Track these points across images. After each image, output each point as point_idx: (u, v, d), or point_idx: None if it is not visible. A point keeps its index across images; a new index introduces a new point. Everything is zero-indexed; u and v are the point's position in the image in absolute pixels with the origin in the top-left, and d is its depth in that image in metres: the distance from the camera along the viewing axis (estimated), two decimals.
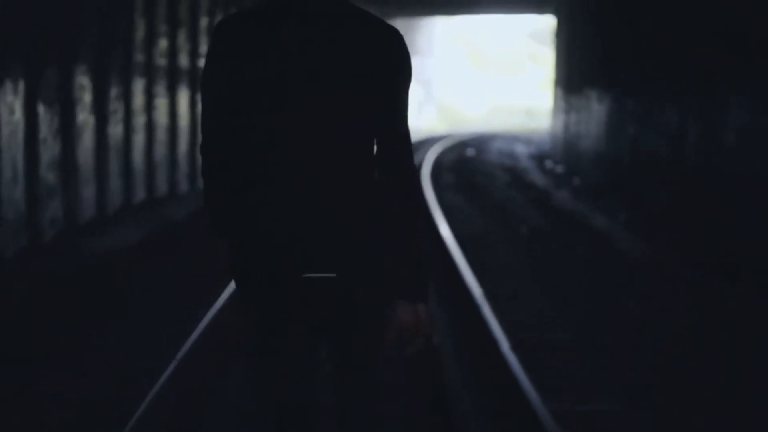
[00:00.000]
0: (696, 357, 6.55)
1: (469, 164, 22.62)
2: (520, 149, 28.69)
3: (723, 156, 10.03)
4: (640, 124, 13.53)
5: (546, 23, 66.13)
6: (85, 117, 11.56)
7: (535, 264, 9.60)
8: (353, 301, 2.98)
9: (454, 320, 7.31)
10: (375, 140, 3.01)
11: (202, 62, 16.53)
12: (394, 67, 2.97)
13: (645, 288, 8.64)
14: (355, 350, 3.05)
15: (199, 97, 16.56)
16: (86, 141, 11.64)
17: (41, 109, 10.30)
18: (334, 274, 2.94)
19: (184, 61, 15.65)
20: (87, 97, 11.60)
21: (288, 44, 2.90)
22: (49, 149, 10.58)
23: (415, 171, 3.08)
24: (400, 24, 40.04)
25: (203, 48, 16.61)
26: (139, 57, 13.57)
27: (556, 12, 27.44)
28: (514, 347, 6.00)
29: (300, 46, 2.91)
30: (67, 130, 11.07)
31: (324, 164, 2.92)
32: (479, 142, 31.70)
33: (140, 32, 13.62)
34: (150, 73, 14.06)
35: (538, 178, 19.43)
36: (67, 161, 11.06)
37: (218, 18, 17.37)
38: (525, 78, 67.15)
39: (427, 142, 30.22)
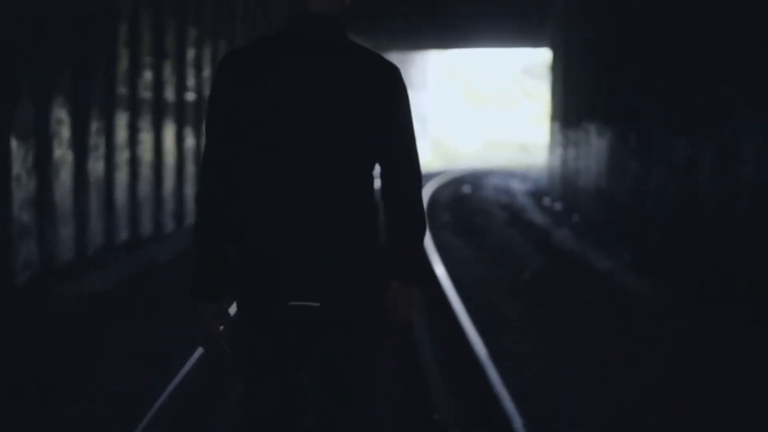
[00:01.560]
0: None
1: (466, 202, 22.07)
2: (517, 185, 28.21)
3: (738, 191, 9.46)
4: (643, 158, 12.98)
5: (540, 58, 66.14)
6: (62, 152, 10.98)
7: (542, 316, 8.87)
8: (338, 331, 3.05)
9: (458, 386, 6.56)
10: (382, 175, 3.13)
11: (189, 96, 15.99)
12: (394, 100, 3.05)
13: (664, 346, 7.99)
14: (337, 382, 3.09)
15: (186, 131, 16.10)
16: (64, 178, 11.05)
17: (14, 143, 9.73)
18: (318, 304, 3.00)
19: (170, 94, 15.09)
20: (65, 132, 11.02)
21: (287, 76, 3.00)
22: (23, 187, 9.99)
23: (422, 205, 3.19)
24: (393, 58, 39.66)
25: (191, 81, 16.07)
26: (122, 90, 13.01)
27: (552, 45, 27.03)
28: (528, 423, 5.32)
29: (299, 79, 3.00)
30: (43, 167, 10.49)
31: (319, 195, 3.02)
32: (475, 179, 31.25)
33: (123, 63, 13.06)
34: (134, 107, 13.49)
35: (536, 216, 18.87)
36: (42, 199, 10.47)
37: (207, 50, 16.86)
38: (519, 113, 67.07)
39: (423, 179, 29.65)
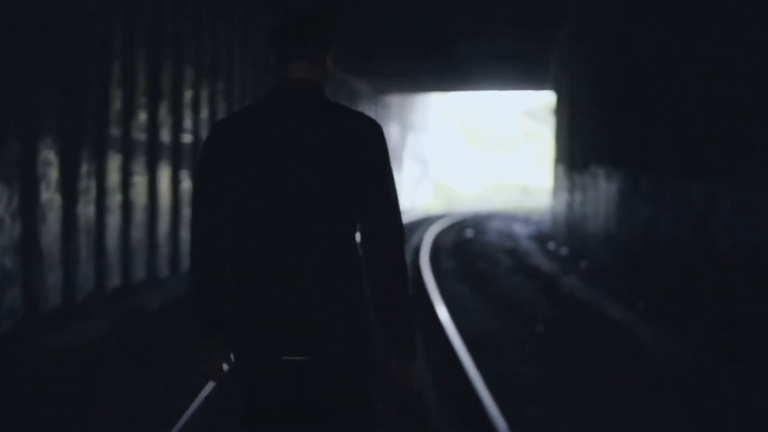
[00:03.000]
0: None
1: (469, 247, 21.56)
2: (519, 229, 27.76)
3: (761, 239, 8.95)
4: (656, 203, 12.48)
5: (541, 101, 65.96)
6: (50, 195, 10.49)
7: (562, 378, 8.13)
8: (327, 384, 3.12)
9: None
10: (363, 232, 3.19)
11: (185, 138, 15.54)
12: (371, 158, 3.14)
13: (694, 407, 7.44)
14: None
15: (182, 174, 15.63)
16: (52, 222, 10.56)
17: None
18: (306, 357, 3.09)
19: (165, 136, 14.63)
20: (53, 174, 10.55)
21: (270, 142, 3.11)
22: (7, 231, 9.50)
23: (405, 264, 3.21)
24: (394, 100, 39.33)
25: (187, 123, 15.63)
26: (115, 131, 12.54)
27: (555, 87, 26.66)
28: None
29: (281, 144, 3.11)
30: (29, 210, 10.00)
31: (306, 254, 3.11)
32: (477, 222, 30.82)
33: (117, 104, 12.61)
34: (127, 149, 13.03)
35: (541, 261, 18.35)
36: (28, 244, 9.97)
37: (204, 91, 16.43)
38: (520, 156, 66.82)
39: (424, 223, 29.24)
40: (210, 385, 7.00)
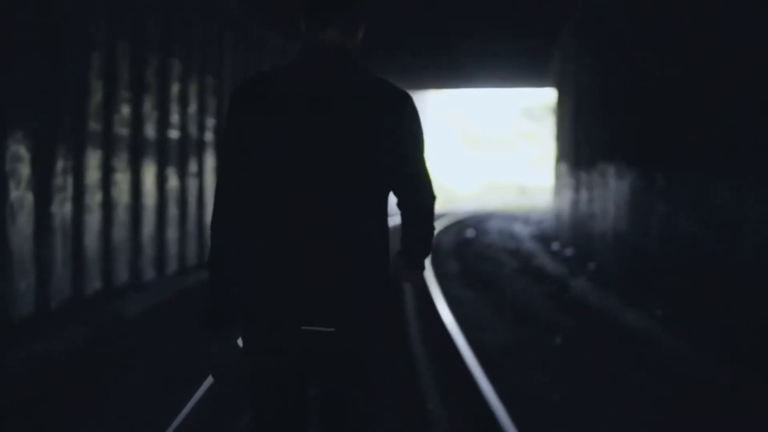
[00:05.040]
0: None
1: (471, 247, 20.75)
2: (520, 229, 27.06)
3: None
4: (674, 203, 11.66)
5: (538, 100, 65.31)
6: (20, 194, 9.65)
7: (590, 400, 7.17)
8: (351, 356, 3.08)
9: None
10: (399, 199, 3.27)
11: (172, 133, 14.72)
12: (405, 128, 3.12)
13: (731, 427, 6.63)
14: (347, 408, 3.10)
15: (168, 171, 14.80)
16: (23, 222, 9.72)
17: None
18: (333, 329, 3.05)
19: (150, 131, 13.80)
20: (24, 170, 9.71)
21: (298, 107, 3.05)
22: None
23: (433, 224, 3.38)
24: None
25: (174, 117, 14.80)
26: (95, 125, 11.71)
27: (558, 84, 25.91)
28: None
29: (310, 110, 3.05)
30: None
31: (332, 221, 3.06)
32: (476, 222, 30.12)
33: (97, 97, 11.77)
34: (108, 144, 12.19)
35: (547, 263, 17.54)
36: None
37: (193, 85, 15.61)
38: (517, 155, 66.30)
39: None
40: (201, 394, 6.22)
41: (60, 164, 10.65)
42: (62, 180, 10.71)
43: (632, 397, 7.30)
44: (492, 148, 67.02)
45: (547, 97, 49.55)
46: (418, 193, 3.21)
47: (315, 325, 3.05)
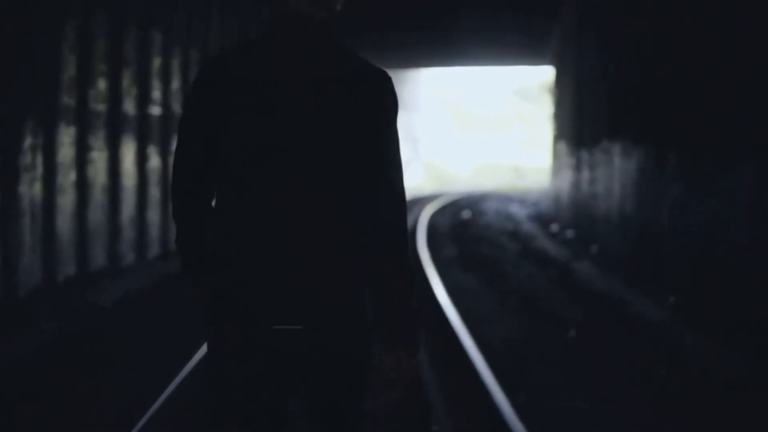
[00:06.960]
0: None
1: (468, 229, 20.04)
2: (517, 210, 26.43)
3: None
4: (687, 184, 10.94)
5: (533, 80, 64.67)
6: None
7: (612, 404, 6.43)
8: (322, 354, 2.88)
9: None
10: (362, 192, 2.89)
11: (153, 110, 13.97)
12: (383, 115, 2.88)
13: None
14: (325, 407, 2.92)
15: (150, 150, 14.08)
16: None
17: None
18: (300, 327, 2.85)
19: (130, 107, 13.05)
20: None
21: (270, 83, 2.84)
22: None
23: (406, 229, 2.94)
24: None
25: (155, 93, 14.05)
26: (68, 100, 10.95)
27: (557, 61, 25.21)
28: None
29: (283, 88, 2.84)
30: None
31: (304, 211, 2.83)
32: (472, 203, 29.49)
33: (70, 70, 11.01)
34: (83, 121, 11.43)
35: (548, 246, 16.84)
36: None
37: (175, 59, 14.85)
38: (511, 135, 65.83)
39: (418, 203, 27.78)
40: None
41: (28, 141, 9.90)
42: (31, 158, 9.97)
43: (661, 402, 6.56)
44: (486, 129, 66.56)
45: (542, 77, 48.90)
46: (394, 181, 2.85)
47: (287, 323, 2.83)
